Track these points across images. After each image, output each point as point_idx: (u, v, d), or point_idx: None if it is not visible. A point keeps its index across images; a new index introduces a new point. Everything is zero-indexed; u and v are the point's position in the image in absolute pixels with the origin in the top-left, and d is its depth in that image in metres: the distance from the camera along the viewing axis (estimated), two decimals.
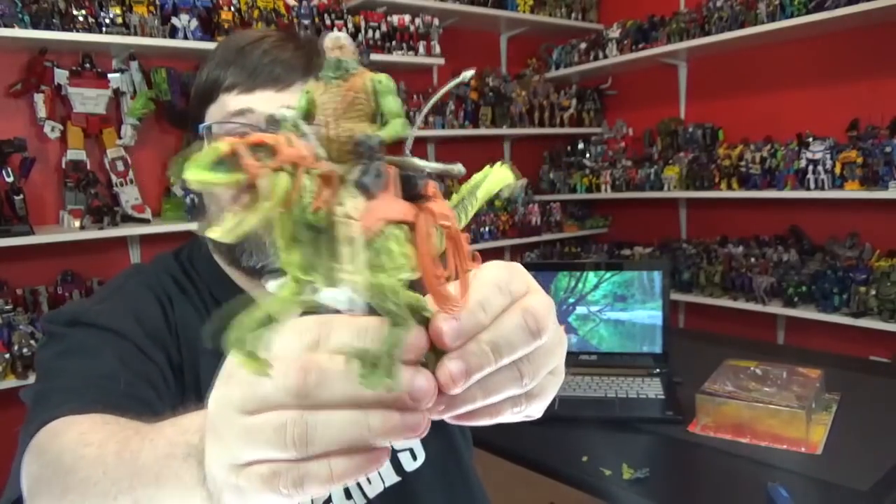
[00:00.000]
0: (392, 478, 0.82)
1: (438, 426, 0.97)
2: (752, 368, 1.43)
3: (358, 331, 0.31)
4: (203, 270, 0.86)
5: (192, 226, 2.32)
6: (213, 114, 0.79)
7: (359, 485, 0.80)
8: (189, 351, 0.77)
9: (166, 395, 0.72)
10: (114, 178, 2.38)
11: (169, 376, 0.74)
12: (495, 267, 0.35)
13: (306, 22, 2.69)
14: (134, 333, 0.73)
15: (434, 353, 0.32)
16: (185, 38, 2.39)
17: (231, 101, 0.76)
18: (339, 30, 2.76)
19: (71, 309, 0.78)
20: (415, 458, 0.84)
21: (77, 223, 2.22)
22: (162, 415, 0.56)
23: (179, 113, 2.47)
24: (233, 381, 0.33)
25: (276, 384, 0.31)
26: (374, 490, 0.80)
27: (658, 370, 1.62)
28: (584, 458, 1.25)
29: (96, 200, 2.28)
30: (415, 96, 3.10)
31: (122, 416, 0.54)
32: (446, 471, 0.86)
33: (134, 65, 2.40)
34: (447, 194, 0.35)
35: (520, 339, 0.34)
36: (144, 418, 0.52)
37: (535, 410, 0.38)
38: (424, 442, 0.84)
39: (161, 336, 0.76)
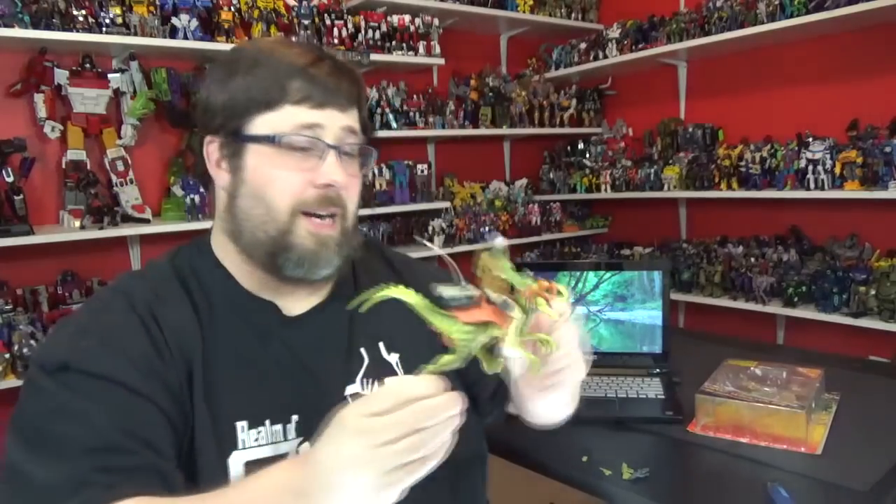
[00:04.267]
0: None
1: None
2: (751, 368, 1.43)
3: (418, 385, 0.60)
4: (202, 272, 0.85)
5: (192, 226, 2.33)
6: (274, 122, 0.79)
7: None
8: (182, 353, 0.77)
9: (166, 433, 0.73)
10: (114, 178, 2.38)
11: (166, 405, 0.73)
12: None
13: (306, 22, 2.69)
14: (126, 374, 0.72)
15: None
16: (185, 38, 2.39)
17: (301, 114, 0.79)
18: (339, 30, 2.76)
19: (59, 350, 0.74)
20: None
21: (77, 223, 2.22)
22: (167, 469, 0.71)
23: (179, 113, 2.47)
24: (345, 432, 0.59)
25: (406, 421, 0.58)
26: None
27: (658, 370, 1.62)
28: (584, 458, 1.24)
29: (96, 200, 2.27)
30: (415, 96, 3.09)
31: (150, 495, 0.65)
32: (448, 464, 0.86)
33: (134, 65, 2.40)
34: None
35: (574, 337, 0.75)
36: (162, 490, 0.67)
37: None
38: None
39: (153, 366, 0.75)
